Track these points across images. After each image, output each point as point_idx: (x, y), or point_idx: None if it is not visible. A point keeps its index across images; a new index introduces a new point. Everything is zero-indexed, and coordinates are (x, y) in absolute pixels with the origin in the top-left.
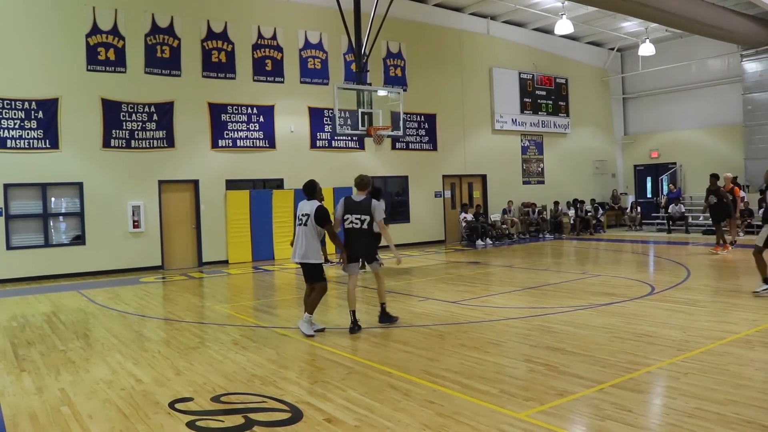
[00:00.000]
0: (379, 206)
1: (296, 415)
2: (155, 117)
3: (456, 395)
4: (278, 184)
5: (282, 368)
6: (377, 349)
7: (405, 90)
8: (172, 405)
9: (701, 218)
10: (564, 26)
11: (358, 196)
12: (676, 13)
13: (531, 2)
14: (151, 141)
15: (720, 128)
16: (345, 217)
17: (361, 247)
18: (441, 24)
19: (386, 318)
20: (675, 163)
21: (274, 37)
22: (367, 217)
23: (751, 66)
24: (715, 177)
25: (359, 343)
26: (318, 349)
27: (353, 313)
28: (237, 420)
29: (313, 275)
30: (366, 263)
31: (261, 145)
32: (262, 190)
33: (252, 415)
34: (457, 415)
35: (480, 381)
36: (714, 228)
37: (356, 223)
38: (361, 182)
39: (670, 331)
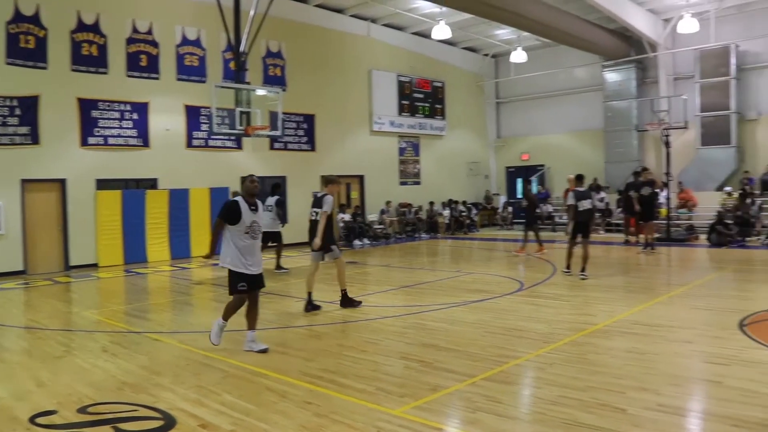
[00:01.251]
0: (327, 200)
1: (169, 423)
2: (18, 111)
3: (333, 395)
4: (152, 184)
5: (155, 374)
6: (253, 352)
7: (284, 90)
8: (32, 419)
9: (564, 217)
10: (441, 31)
11: (321, 191)
12: (544, 23)
13: (410, 6)
14: (13, 137)
15: (584, 133)
16: (310, 211)
17: (314, 237)
18: (322, 25)
19: (348, 303)
20: (543, 165)
21: (149, 32)
22: (319, 210)
23: (611, 76)
24: (528, 182)
25: (234, 346)
26: (192, 353)
27: (309, 294)
28: (105, 431)
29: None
30: (324, 253)
31: (134, 143)
32: (135, 190)
33: (122, 425)
34: (334, 414)
35: (356, 379)
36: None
37: (313, 215)
38: (324, 179)
39: (537, 325)
